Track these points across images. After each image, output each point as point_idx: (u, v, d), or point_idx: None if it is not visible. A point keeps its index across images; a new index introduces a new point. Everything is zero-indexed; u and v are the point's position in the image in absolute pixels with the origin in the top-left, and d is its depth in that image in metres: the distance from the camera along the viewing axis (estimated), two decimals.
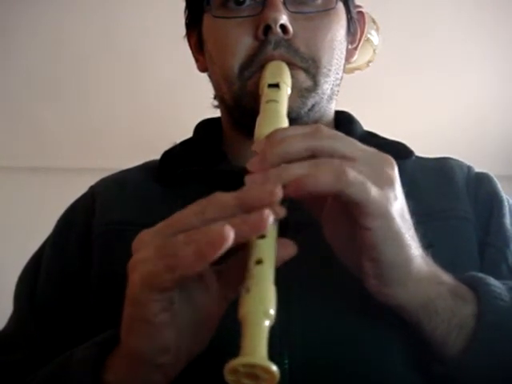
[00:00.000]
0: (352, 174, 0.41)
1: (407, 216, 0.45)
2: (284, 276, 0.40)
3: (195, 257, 0.37)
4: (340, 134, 0.45)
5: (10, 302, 0.65)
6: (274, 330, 0.37)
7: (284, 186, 0.41)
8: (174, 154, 0.69)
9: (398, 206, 0.44)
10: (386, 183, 0.43)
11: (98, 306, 0.58)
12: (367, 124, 0.71)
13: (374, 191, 0.41)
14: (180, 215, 0.41)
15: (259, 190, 0.39)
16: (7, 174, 2.65)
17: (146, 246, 0.41)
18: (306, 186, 0.41)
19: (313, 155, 0.43)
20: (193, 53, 0.71)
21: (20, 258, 0.68)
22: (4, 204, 2.60)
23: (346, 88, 0.70)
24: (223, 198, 0.40)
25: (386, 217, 0.42)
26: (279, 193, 0.39)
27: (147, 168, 0.70)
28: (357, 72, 1.99)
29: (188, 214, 0.40)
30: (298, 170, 0.41)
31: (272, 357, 0.35)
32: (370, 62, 2.08)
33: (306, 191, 0.41)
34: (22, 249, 0.71)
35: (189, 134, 0.74)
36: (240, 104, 0.62)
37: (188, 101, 1.94)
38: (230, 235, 0.36)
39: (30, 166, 2.68)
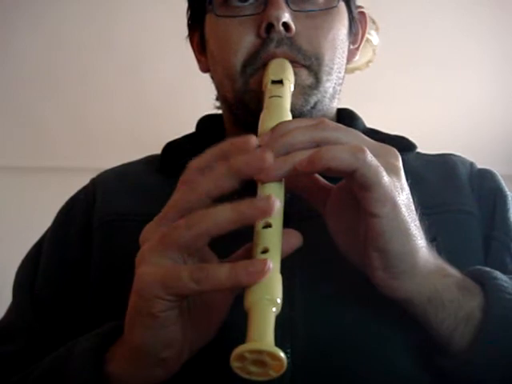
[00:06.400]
0: (369, 154, 0.41)
1: (412, 207, 0.46)
2: (286, 267, 0.40)
3: (228, 280, 0.37)
4: (344, 127, 0.46)
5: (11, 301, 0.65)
6: (276, 320, 0.37)
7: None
8: (176, 145, 0.69)
9: (404, 196, 0.45)
10: (392, 173, 0.44)
11: (98, 297, 0.58)
12: (367, 123, 0.71)
13: (385, 177, 0.42)
14: (175, 197, 0.41)
15: (248, 156, 0.39)
16: (7, 174, 2.65)
17: (151, 237, 0.41)
18: (322, 160, 0.41)
19: (318, 147, 0.43)
20: (195, 54, 0.72)
21: (20, 258, 0.68)
22: (4, 204, 2.60)
23: (347, 87, 0.70)
24: (215, 169, 0.40)
25: (394, 204, 0.42)
26: (270, 158, 0.39)
27: (148, 161, 0.71)
28: (356, 72, 1.99)
29: (182, 193, 0.41)
30: (307, 153, 0.41)
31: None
32: (369, 62, 2.08)
33: (321, 166, 0.41)
34: (22, 249, 0.71)
35: None
36: (243, 101, 0.62)
37: (188, 101, 1.94)
38: (270, 267, 0.37)
39: (30, 166, 2.67)
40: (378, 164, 0.42)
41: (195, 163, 0.42)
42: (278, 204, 0.38)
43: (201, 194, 0.40)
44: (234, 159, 0.40)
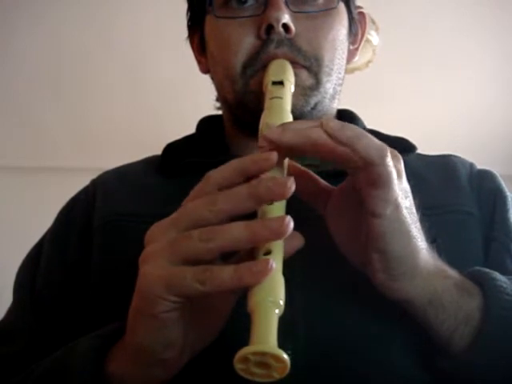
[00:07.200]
0: (390, 154, 0.42)
1: (413, 209, 0.46)
2: (287, 268, 0.40)
3: (232, 280, 0.37)
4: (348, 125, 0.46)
5: (11, 302, 0.65)
6: (278, 321, 0.37)
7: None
8: (176, 146, 0.69)
9: (406, 198, 0.45)
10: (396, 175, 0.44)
11: (98, 297, 0.58)
12: (367, 123, 0.71)
13: (396, 179, 0.43)
14: (191, 206, 0.41)
15: (272, 183, 0.39)
16: (7, 174, 2.65)
17: (159, 239, 0.41)
18: (352, 137, 0.41)
19: None
20: (195, 55, 0.72)
21: (20, 258, 0.68)
22: (4, 204, 2.60)
23: (347, 87, 0.70)
24: (236, 190, 0.40)
25: (397, 206, 0.43)
26: (292, 186, 0.39)
27: (149, 161, 0.71)
28: (356, 72, 1.99)
29: (199, 206, 0.40)
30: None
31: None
32: (369, 62, 2.08)
33: (350, 141, 0.41)
34: (22, 249, 0.71)
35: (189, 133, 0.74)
36: (243, 102, 0.62)
37: (188, 101, 1.94)
38: (273, 267, 0.37)
39: (30, 166, 2.68)
40: (393, 165, 0.43)
41: (214, 176, 0.42)
42: (291, 225, 0.38)
43: (218, 211, 0.39)
44: (257, 185, 0.39)
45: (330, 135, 0.41)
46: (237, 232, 0.38)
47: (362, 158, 0.42)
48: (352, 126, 0.43)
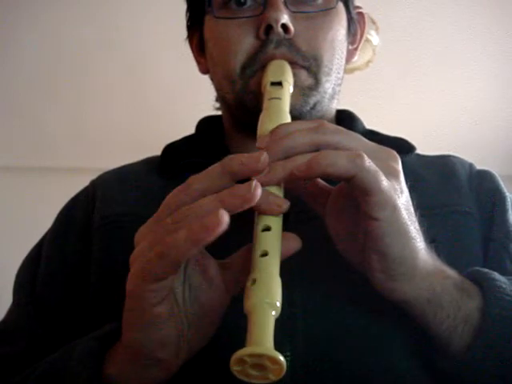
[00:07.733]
0: (367, 159, 0.41)
1: (411, 210, 0.46)
2: (286, 268, 0.40)
3: (187, 242, 0.37)
4: (344, 129, 0.46)
5: (11, 302, 0.65)
6: (276, 321, 0.37)
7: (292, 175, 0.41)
8: (176, 147, 0.69)
9: (404, 199, 0.45)
10: (392, 176, 0.44)
11: (98, 298, 0.58)
12: (367, 123, 0.71)
13: (384, 181, 0.42)
14: (169, 196, 0.41)
15: (244, 156, 0.40)
16: (7, 174, 2.64)
17: (145, 239, 0.41)
18: (320, 166, 0.41)
19: (317, 150, 0.43)
20: (194, 55, 0.72)
21: (20, 258, 0.68)
22: (4, 204, 2.60)
23: (347, 87, 0.70)
24: (210, 169, 0.40)
25: (394, 208, 0.42)
26: (265, 160, 0.39)
27: (149, 162, 0.71)
28: (356, 72, 1.99)
29: (176, 194, 0.41)
30: (306, 158, 0.41)
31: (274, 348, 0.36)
32: (369, 62, 2.07)
33: (319, 172, 0.41)
34: (22, 249, 0.71)
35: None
36: (242, 103, 0.62)
37: (188, 101, 1.94)
38: (225, 219, 0.36)
39: (30, 166, 2.67)
40: (377, 169, 0.42)
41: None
42: (259, 191, 0.38)
43: (195, 191, 0.40)
44: (230, 162, 0.40)
45: (299, 176, 0.41)
46: (207, 205, 0.38)
47: (338, 175, 0.41)
48: (326, 140, 0.43)
